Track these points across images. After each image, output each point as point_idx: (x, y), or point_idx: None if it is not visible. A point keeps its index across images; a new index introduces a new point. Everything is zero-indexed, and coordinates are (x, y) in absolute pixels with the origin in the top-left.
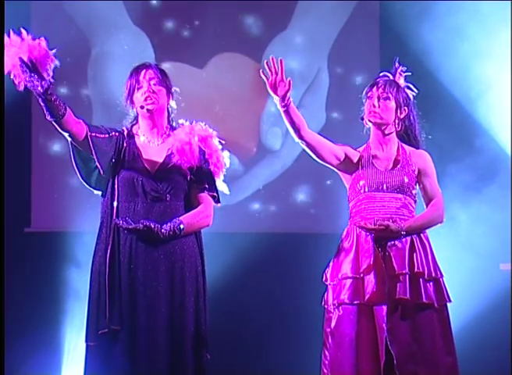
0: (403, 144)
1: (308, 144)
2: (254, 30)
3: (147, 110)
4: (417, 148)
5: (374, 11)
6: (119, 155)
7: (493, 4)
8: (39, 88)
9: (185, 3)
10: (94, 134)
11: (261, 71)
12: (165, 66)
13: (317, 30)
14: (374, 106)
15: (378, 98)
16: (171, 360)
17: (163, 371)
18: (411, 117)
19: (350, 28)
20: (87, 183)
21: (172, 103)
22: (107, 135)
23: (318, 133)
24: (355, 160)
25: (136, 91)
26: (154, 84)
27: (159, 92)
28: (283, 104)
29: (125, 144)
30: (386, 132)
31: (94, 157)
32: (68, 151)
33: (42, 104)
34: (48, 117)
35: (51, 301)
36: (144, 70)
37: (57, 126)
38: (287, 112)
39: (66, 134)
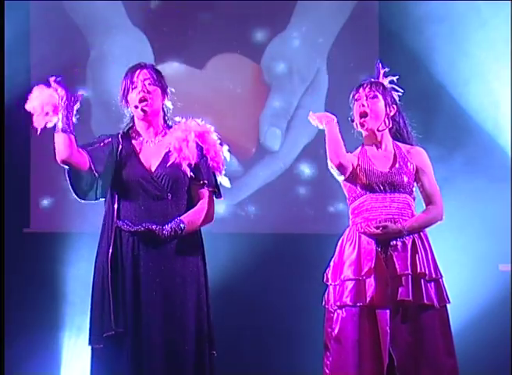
0: (398, 143)
1: (343, 168)
2: (252, 30)
3: (142, 110)
4: (412, 145)
5: (373, 11)
6: (116, 157)
7: (493, 4)
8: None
9: (184, 3)
10: (91, 152)
11: None
12: (164, 66)
13: (316, 31)
14: (363, 106)
15: (366, 97)
16: (171, 360)
17: (166, 372)
18: (401, 117)
19: (349, 28)
20: (89, 200)
21: (168, 103)
22: (101, 144)
23: (316, 136)
24: (355, 166)
25: (130, 90)
26: (149, 84)
27: (154, 92)
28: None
29: (120, 147)
30: (379, 129)
31: (92, 167)
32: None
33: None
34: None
35: (50, 302)
36: (139, 70)
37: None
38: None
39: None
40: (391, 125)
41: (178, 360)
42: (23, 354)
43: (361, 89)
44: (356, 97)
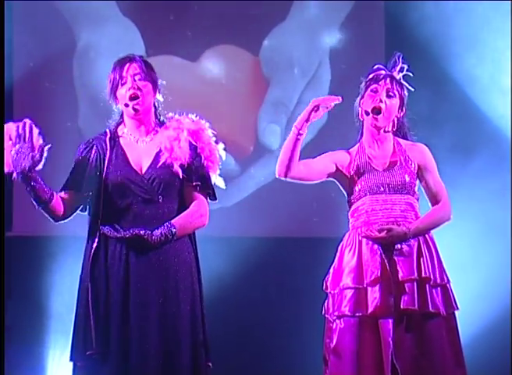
0: (399, 139)
1: (294, 179)
2: (250, 20)
3: (134, 109)
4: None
5: (378, 2)
6: (102, 163)
7: (493, 4)
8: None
9: None
10: (75, 187)
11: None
12: (156, 59)
13: (317, 22)
14: (380, 101)
15: (387, 93)
16: (166, 372)
17: None
18: (404, 116)
19: (354, 19)
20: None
21: (159, 97)
22: (80, 167)
23: (319, 132)
24: (347, 165)
25: (119, 86)
26: (140, 80)
27: (145, 88)
28: (301, 132)
29: (108, 154)
30: (386, 131)
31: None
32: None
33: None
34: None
35: (34, 307)
36: (128, 64)
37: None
38: (297, 141)
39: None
40: (395, 128)
41: (173, 373)
42: (11, 361)
43: (382, 82)
44: (373, 88)
